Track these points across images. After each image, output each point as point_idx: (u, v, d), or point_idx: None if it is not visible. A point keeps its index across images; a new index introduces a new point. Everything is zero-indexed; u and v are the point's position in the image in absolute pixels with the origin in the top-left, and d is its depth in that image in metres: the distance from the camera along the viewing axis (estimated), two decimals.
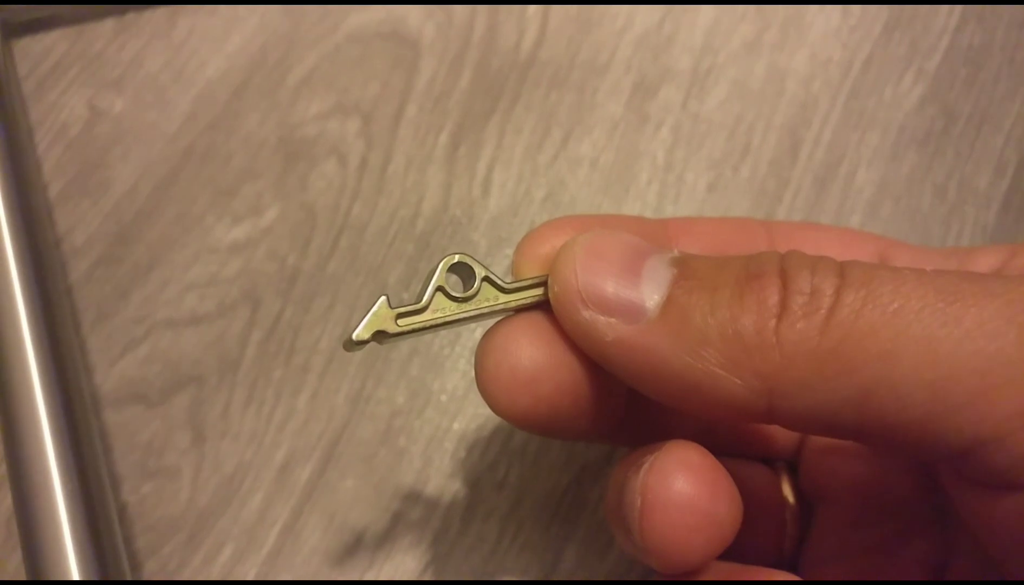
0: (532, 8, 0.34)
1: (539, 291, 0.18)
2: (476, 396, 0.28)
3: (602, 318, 0.17)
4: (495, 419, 0.27)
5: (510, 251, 0.30)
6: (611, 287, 0.17)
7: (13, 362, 0.26)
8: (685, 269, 0.17)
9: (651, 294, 0.17)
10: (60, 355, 0.26)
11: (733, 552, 0.21)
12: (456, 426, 0.27)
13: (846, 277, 0.15)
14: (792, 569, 0.22)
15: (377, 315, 0.18)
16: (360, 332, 0.18)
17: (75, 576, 0.23)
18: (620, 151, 0.31)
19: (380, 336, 0.18)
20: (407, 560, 0.26)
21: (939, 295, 0.15)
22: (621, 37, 0.33)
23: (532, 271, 0.19)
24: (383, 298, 0.18)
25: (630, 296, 0.17)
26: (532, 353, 0.18)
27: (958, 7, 0.33)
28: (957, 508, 0.17)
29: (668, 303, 0.16)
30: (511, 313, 0.19)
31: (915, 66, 0.32)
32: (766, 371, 0.15)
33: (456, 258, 0.18)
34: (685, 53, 0.33)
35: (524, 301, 0.18)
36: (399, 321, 0.18)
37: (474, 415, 0.27)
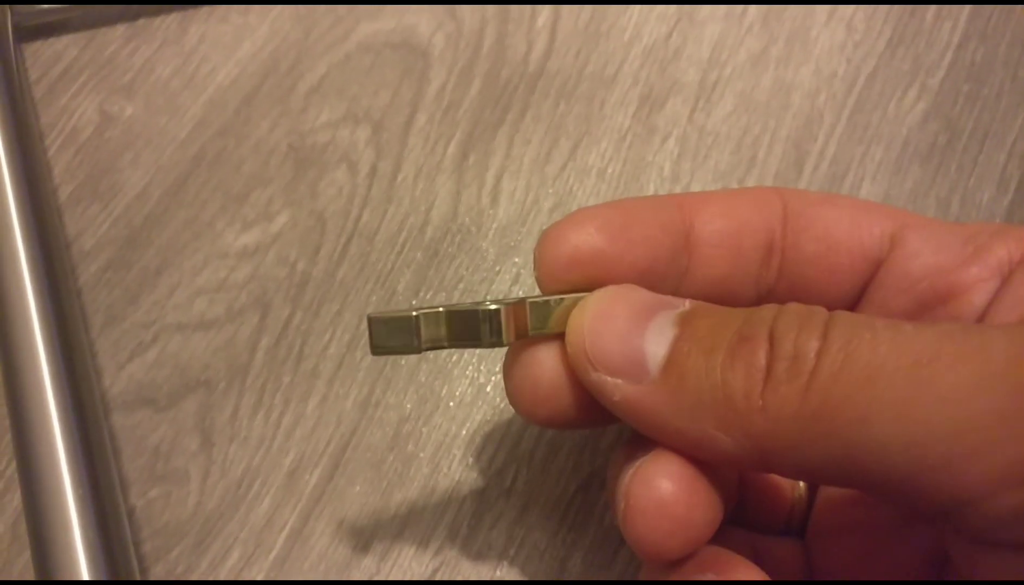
0: (541, 20, 0.34)
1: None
2: (484, 402, 0.28)
3: (609, 379, 0.18)
4: (503, 425, 0.27)
5: (518, 259, 0.30)
6: (616, 349, 0.18)
7: (25, 365, 0.26)
8: (687, 328, 0.17)
9: (654, 355, 0.17)
10: (71, 358, 0.27)
11: (743, 520, 0.22)
12: (464, 432, 0.27)
13: (828, 338, 0.16)
14: (799, 536, 0.22)
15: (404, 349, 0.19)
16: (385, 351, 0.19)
17: (85, 578, 0.23)
18: (627, 162, 0.32)
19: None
20: (414, 566, 0.26)
21: (915, 358, 0.15)
22: (629, 49, 0.34)
23: (553, 272, 0.19)
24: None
25: (634, 358, 0.18)
26: (551, 375, 0.19)
27: (961, 24, 0.34)
28: (949, 551, 0.17)
29: (668, 365, 0.17)
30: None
31: (918, 82, 0.33)
32: (755, 433, 0.16)
33: (492, 307, 0.19)
34: (692, 66, 0.33)
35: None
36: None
37: (482, 421, 0.27)
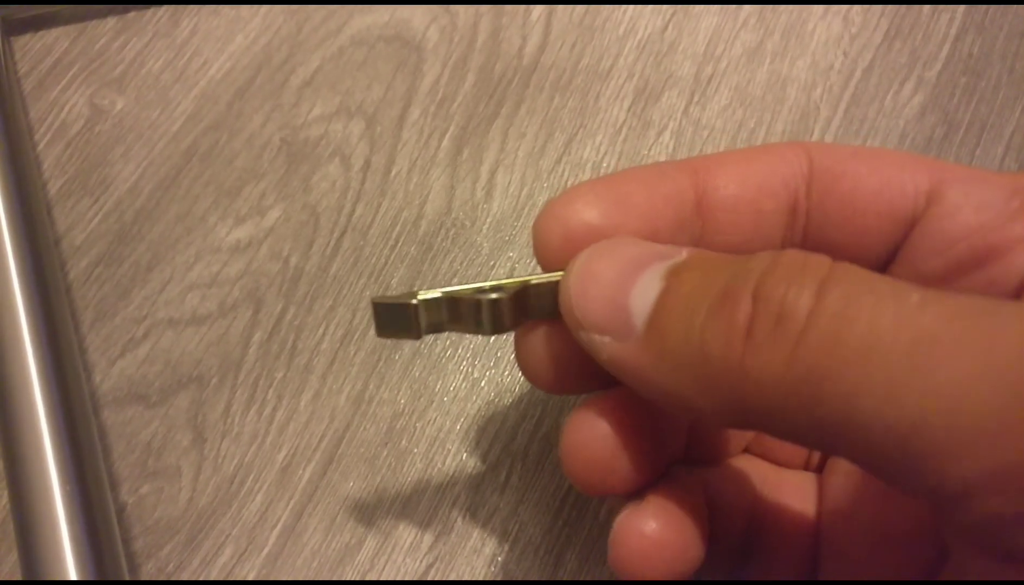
0: (535, 13, 0.34)
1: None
2: (478, 397, 0.27)
3: (596, 337, 0.17)
4: (498, 420, 0.27)
5: (513, 253, 0.30)
6: (601, 307, 0.17)
7: (12, 361, 0.25)
8: (672, 283, 0.17)
9: (639, 312, 0.17)
10: (59, 354, 0.26)
11: (766, 453, 0.23)
12: (458, 427, 0.27)
13: (822, 300, 0.14)
14: (818, 471, 0.22)
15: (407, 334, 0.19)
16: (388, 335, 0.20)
17: (72, 577, 0.23)
18: (623, 156, 0.32)
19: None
20: (408, 562, 0.25)
21: (914, 338, 0.13)
22: (624, 43, 0.34)
23: (548, 252, 0.19)
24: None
25: (619, 315, 0.17)
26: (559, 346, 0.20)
27: (958, 17, 0.33)
28: (946, 541, 0.17)
29: (651, 322, 0.16)
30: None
31: (916, 74, 0.33)
32: (734, 396, 0.15)
33: (494, 296, 0.19)
34: (687, 59, 0.33)
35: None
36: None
37: (476, 416, 0.27)
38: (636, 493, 0.19)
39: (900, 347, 0.13)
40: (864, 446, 0.14)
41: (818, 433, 0.14)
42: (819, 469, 0.22)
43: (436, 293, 0.19)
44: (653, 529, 0.18)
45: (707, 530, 0.19)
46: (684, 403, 0.16)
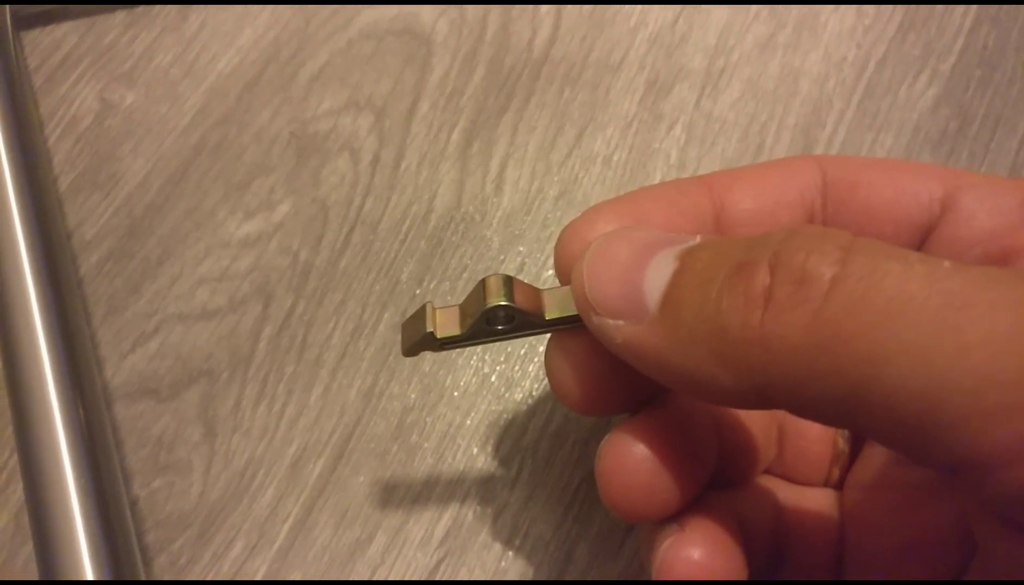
0: (545, 6, 0.34)
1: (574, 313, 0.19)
2: (488, 392, 0.27)
3: (610, 321, 0.17)
4: (508, 416, 0.27)
5: (523, 248, 0.30)
6: (615, 290, 0.17)
7: (26, 356, 0.26)
8: (686, 261, 0.16)
9: (653, 292, 0.16)
10: (72, 349, 0.26)
11: (786, 472, 0.22)
12: (469, 422, 0.27)
13: (848, 265, 0.14)
14: (838, 488, 0.22)
15: (423, 341, 0.20)
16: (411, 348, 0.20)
17: (88, 571, 0.23)
18: (634, 149, 0.31)
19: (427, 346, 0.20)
20: (419, 557, 0.26)
21: (945, 301, 0.13)
22: (635, 36, 0.33)
23: (571, 263, 0.19)
24: (428, 332, 0.20)
25: (633, 297, 0.17)
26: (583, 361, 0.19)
27: (972, 9, 0.33)
28: (972, 526, 0.17)
29: (665, 300, 0.16)
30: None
31: (930, 67, 0.32)
32: (752, 366, 0.15)
33: (500, 304, 0.19)
34: (699, 52, 0.33)
35: (561, 321, 0.19)
36: (443, 347, 0.20)
37: (487, 411, 0.27)
38: (672, 518, 0.19)
39: (930, 309, 0.13)
40: (889, 416, 0.13)
41: (841, 404, 0.14)
42: (839, 486, 0.22)
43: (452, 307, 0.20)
44: (701, 555, 0.18)
45: (745, 552, 0.19)
46: (703, 383, 0.16)
